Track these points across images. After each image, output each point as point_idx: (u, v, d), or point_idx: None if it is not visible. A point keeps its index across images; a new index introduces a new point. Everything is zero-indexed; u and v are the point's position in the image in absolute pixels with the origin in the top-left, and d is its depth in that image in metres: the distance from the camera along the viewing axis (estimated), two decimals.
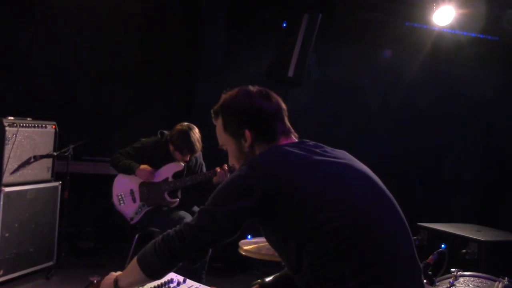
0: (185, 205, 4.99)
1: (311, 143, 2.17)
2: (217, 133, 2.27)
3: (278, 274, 2.47)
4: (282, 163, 2.01)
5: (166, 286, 2.56)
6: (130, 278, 2.15)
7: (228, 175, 4.59)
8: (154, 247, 2.06)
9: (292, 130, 2.24)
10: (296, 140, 2.23)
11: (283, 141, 2.18)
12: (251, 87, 2.23)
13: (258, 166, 2.00)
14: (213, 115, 2.27)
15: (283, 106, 2.24)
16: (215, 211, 1.99)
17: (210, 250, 2.09)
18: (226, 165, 4.70)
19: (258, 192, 1.94)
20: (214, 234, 2.00)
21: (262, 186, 1.94)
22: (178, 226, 2.06)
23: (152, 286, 2.47)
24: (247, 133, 2.16)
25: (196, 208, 5.06)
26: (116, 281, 2.18)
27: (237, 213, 1.97)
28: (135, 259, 2.12)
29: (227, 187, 2.03)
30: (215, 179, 4.77)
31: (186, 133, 4.74)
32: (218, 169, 4.72)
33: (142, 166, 4.82)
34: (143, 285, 2.44)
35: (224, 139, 2.25)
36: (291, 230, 1.96)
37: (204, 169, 5.13)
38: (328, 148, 2.16)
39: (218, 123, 2.25)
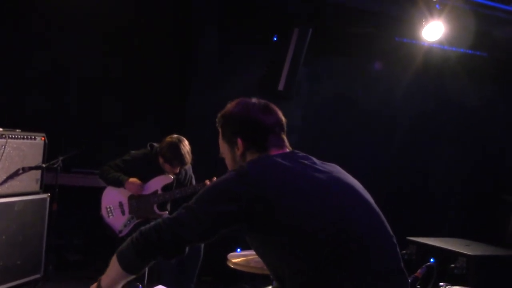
0: None
1: (301, 154, 2.19)
2: (219, 141, 2.33)
3: None
4: (270, 173, 2.03)
5: None
6: (111, 275, 2.13)
7: None
8: (132, 240, 2.06)
9: (287, 144, 2.27)
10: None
11: (274, 152, 2.20)
12: (253, 99, 2.28)
13: (246, 173, 2.02)
14: (217, 123, 2.32)
15: (282, 120, 2.28)
16: (198, 209, 2.00)
17: (187, 248, 2.06)
18: (215, 178, 4.69)
19: (244, 199, 1.95)
20: (192, 232, 2.00)
21: (248, 194, 1.96)
22: (158, 220, 2.06)
23: None
24: (239, 141, 2.20)
25: None
26: (99, 280, 2.17)
27: (219, 216, 1.98)
28: (114, 255, 2.11)
29: (213, 189, 2.05)
30: None
31: (176, 145, 4.73)
32: (207, 182, 4.71)
33: (131, 179, 4.80)
34: None
35: (222, 147, 2.30)
36: (274, 241, 1.98)
37: (194, 182, 5.12)
38: (317, 161, 2.18)
39: (220, 131, 2.31)
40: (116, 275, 2.12)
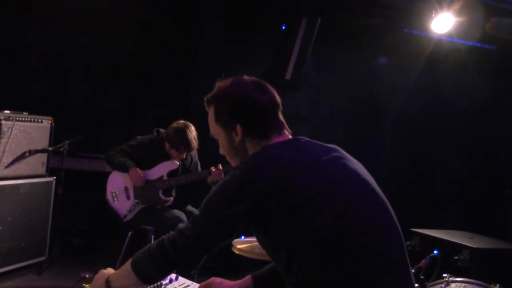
0: (178, 204, 4.99)
1: (303, 140, 2.14)
2: (209, 122, 2.23)
3: (270, 265, 2.46)
4: (275, 167, 1.97)
5: (158, 283, 2.57)
6: (124, 282, 2.12)
7: (223, 175, 4.58)
8: (149, 254, 2.04)
9: (285, 126, 2.20)
10: (290, 136, 2.19)
11: (275, 138, 2.14)
12: (246, 77, 2.19)
13: (250, 170, 1.97)
14: (205, 103, 2.22)
15: (278, 99, 2.20)
16: (208, 219, 1.98)
17: (205, 257, 2.08)
18: (220, 164, 4.70)
19: (250, 197, 1.92)
20: (208, 243, 2.00)
21: (254, 192, 1.92)
22: (172, 233, 2.04)
23: None
24: (239, 127, 2.12)
25: (190, 208, 5.06)
26: (108, 282, 2.15)
27: (230, 220, 1.96)
28: (128, 264, 2.09)
29: (220, 193, 2.00)
30: (209, 179, 4.77)
31: (183, 131, 4.74)
32: (212, 169, 4.72)
33: (135, 169, 4.80)
34: None
35: (215, 130, 2.21)
36: (282, 234, 1.95)
37: (199, 168, 5.13)
38: (320, 146, 2.14)
39: (210, 112, 2.21)
40: (132, 284, 2.11)
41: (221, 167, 4.69)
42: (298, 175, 1.95)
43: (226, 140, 2.18)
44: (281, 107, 2.20)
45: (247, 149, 2.16)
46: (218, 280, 2.47)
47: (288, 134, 2.20)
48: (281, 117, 2.19)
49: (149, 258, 2.03)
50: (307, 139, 2.16)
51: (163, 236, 2.06)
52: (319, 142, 2.16)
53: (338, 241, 1.89)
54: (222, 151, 2.25)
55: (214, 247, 2.03)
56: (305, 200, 1.91)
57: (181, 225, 2.06)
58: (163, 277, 2.11)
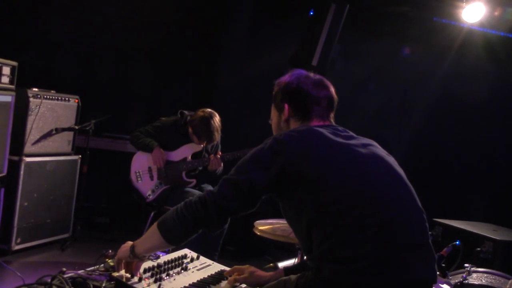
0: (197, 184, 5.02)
1: (340, 128, 2.26)
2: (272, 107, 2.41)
3: (301, 261, 2.52)
4: (306, 141, 2.07)
5: (180, 261, 2.59)
6: (148, 243, 2.18)
7: (221, 164, 4.76)
8: (177, 212, 2.10)
9: (331, 119, 2.31)
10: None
11: (316, 123, 2.25)
12: (309, 73, 2.35)
13: (283, 140, 2.07)
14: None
15: (333, 96, 2.33)
16: (237, 179, 2.05)
17: (229, 219, 2.13)
18: (220, 152, 4.82)
19: (279, 164, 2.01)
20: (235, 203, 2.06)
21: (283, 160, 2.01)
22: (200, 193, 2.12)
23: (166, 260, 2.50)
24: (286, 107, 2.28)
25: (206, 185, 5.09)
26: (133, 247, 2.20)
27: (257, 183, 2.03)
28: (154, 225, 2.15)
29: (251, 157, 2.10)
30: (209, 167, 4.83)
31: (207, 121, 4.75)
32: (212, 157, 4.77)
33: (160, 150, 4.85)
34: (157, 259, 2.47)
35: (272, 113, 2.38)
36: (304, 207, 2.01)
37: (219, 151, 5.14)
38: (354, 134, 2.24)
39: (273, 97, 2.39)
40: (156, 244, 2.17)
41: (219, 156, 4.74)
42: (326, 151, 2.06)
43: (276, 120, 2.35)
44: (334, 105, 2.34)
45: (289, 128, 2.28)
46: (252, 268, 2.51)
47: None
48: (330, 112, 2.32)
49: (176, 216, 2.09)
50: (342, 128, 2.27)
51: (191, 198, 2.11)
52: (352, 132, 2.26)
53: (355, 217, 1.94)
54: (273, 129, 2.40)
55: (239, 210, 2.10)
56: (327, 174, 2.00)
57: (210, 187, 2.13)
58: (188, 236, 2.13)
